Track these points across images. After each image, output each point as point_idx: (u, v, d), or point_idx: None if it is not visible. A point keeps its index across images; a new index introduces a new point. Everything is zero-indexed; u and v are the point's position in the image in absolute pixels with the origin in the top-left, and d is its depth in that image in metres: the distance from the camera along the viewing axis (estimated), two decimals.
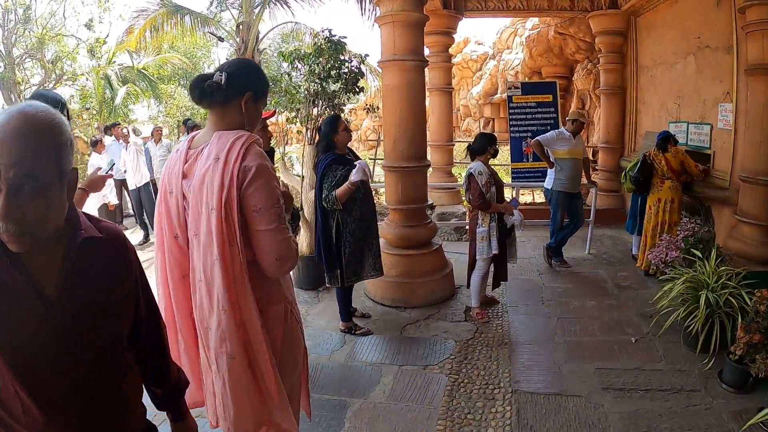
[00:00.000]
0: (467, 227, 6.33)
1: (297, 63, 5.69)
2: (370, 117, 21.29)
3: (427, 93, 9.41)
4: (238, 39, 13.07)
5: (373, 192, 9.03)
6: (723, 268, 4.10)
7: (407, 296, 5.18)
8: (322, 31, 5.61)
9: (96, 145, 7.48)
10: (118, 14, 25.99)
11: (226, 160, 1.81)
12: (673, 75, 7.00)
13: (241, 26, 12.96)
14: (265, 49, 15.64)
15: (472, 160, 4.96)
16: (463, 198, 4.87)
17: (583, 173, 6.46)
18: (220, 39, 14.55)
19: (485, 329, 4.69)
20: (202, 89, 1.93)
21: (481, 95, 16.53)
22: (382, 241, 5.37)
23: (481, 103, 16.66)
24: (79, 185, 2.88)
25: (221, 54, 24.34)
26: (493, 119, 16.30)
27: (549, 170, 6.36)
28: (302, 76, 5.75)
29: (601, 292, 5.55)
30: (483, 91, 16.47)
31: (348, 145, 4.52)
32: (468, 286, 5.02)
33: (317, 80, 5.54)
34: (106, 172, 2.98)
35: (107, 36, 22.55)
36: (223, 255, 1.82)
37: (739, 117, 5.32)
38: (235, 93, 1.94)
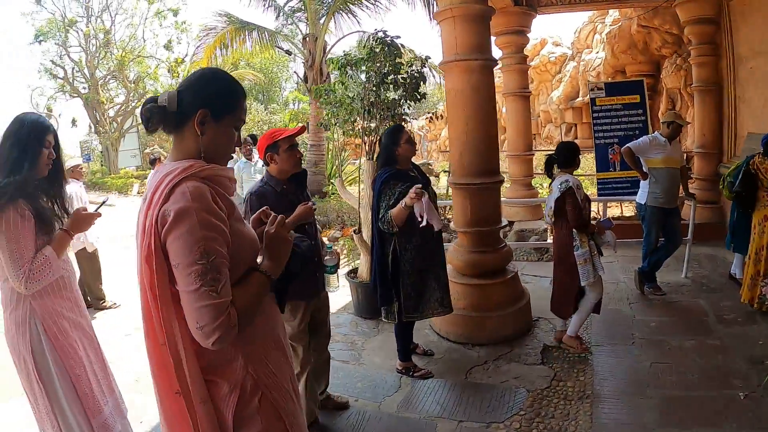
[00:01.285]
0: (550, 248, 5.55)
1: (349, 70, 5.24)
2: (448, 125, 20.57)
3: (503, 98, 8.81)
4: (305, 51, 12.95)
5: (445, 210, 8.57)
6: None
7: (475, 332, 4.55)
8: (376, 33, 5.14)
9: (154, 163, 7.30)
10: (195, 35, 26.96)
11: (151, 201, 1.49)
12: None
13: (307, 38, 12.85)
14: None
15: (550, 173, 4.37)
16: (550, 207, 4.19)
17: (681, 184, 5.60)
18: (288, 53, 14.61)
19: (564, 375, 3.98)
20: (145, 114, 1.54)
21: (561, 99, 15.61)
22: (448, 267, 4.79)
23: (562, 108, 15.72)
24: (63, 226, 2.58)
25: (298, 68, 24.54)
26: (575, 125, 15.33)
27: (642, 182, 5.50)
28: (358, 84, 5.30)
29: (702, 329, 4.68)
30: (563, 95, 15.54)
31: (413, 159, 4.02)
32: (563, 314, 4.42)
33: (373, 88, 5.07)
34: (96, 210, 2.60)
35: (185, 56, 23.37)
36: (148, 314, 1.51)
37: None
38: (187, 113, 1.56)
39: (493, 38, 8.15)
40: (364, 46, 5.36)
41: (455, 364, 4.26)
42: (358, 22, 13.30)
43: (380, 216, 3.69)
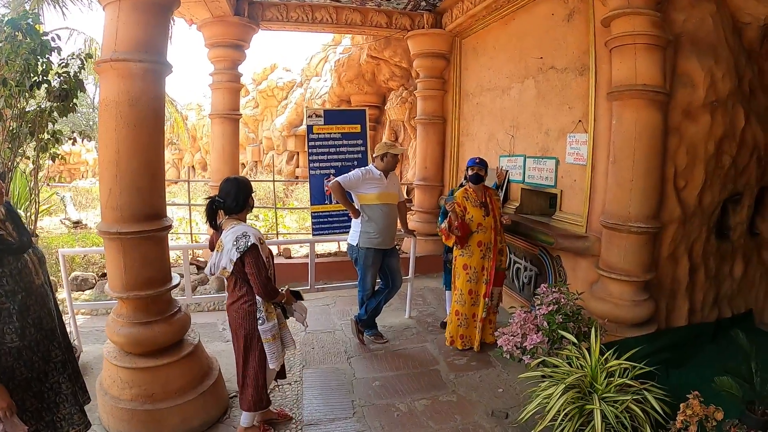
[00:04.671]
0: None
1: None
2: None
3: (209, 120, 7.69)
4: None
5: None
6: (613, 362, 3.03)
7: (152, 428, 3.32)
8: (24, 21, 3.75)
9: None
10: None
11: None
12: (505, 102, 6.11)
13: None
14: None
15: (214, 223, 3.29)
16: (224, 267, 3.11)
17: (399, 221, 5.11)
18: None
19: None
20: None
21: (285, 126, 15.34)
22: (108, 345, 3.52)
23: (284, 135, 15.45)
24: None
25: None
26: (298, 153, 15.26)
27: (353, 220, 4.86)
28: None
29: (434, 381, 4.20)
30: (287, 122, 15.31)
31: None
32: (247, 407, 3.31)
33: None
34: None
35: None
36: None
37: (597, 150, 4.40)
38: None
39: (206, 50, 7.11)
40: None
41: None
42: (63, 14, 11.13)
43: None
